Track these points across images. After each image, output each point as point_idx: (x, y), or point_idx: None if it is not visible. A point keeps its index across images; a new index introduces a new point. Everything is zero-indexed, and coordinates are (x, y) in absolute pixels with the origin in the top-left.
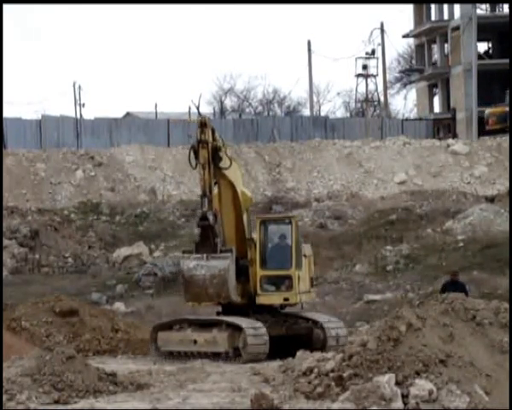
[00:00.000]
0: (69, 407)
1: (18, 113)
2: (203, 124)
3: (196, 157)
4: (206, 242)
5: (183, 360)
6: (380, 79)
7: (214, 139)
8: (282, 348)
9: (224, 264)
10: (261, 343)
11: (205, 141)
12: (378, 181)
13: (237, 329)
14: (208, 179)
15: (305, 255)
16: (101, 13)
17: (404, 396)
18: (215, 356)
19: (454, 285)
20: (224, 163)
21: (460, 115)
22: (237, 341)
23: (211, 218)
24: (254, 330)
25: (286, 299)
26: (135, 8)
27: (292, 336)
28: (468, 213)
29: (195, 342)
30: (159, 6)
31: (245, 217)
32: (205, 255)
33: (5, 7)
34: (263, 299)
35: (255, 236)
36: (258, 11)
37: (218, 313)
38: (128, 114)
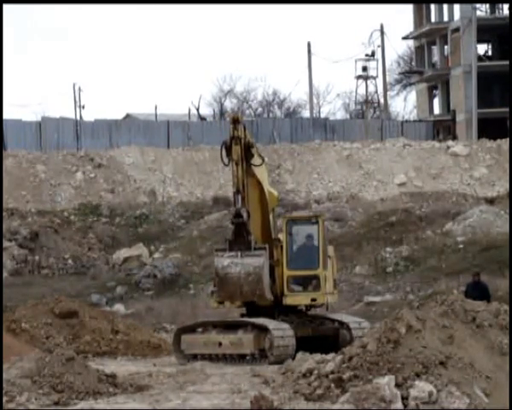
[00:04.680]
0: (69, 408)
1: (18, 114)
2: (236, 120)
3: (228, 154)
4: (240, 239)
5: (209, 362)
6: (380, 81)
7: (246, 136)
8: (308, 349)
9: (258, 261)
10: (288, 345)
11: (238, 137)
12: (378, 183)
13: (263, 330)
14: (241, 176)
15: (329, 256)
16: (101, 14)
17: (404, 398)
18: (240, 358)
19: (476, 287)
20: (256, 160)
21: (460, 117)
22: (263, 342)
23: (245, 215)
24: (281, 332)
25: (313, 299)
26: (135, 9)
27: (318, 337)
28: (467, 215)
29: (220, 344)
30: (159, 6)
31: (271, 217)
32: (239, 253)
33: (5, 7)
34: (290, 299)
35: (281, 236)
36: (258, 12)
37: (243, 315)
38: (128, 115)
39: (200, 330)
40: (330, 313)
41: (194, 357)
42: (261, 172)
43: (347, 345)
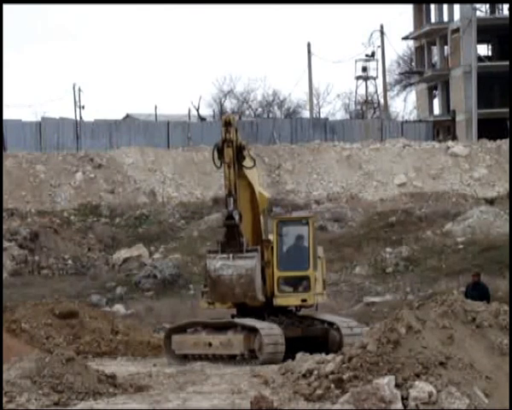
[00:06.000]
0: (69, 408)
1: (18, 115)
2: (228, 123)
3: (220, 157)
4: (232, 241)
5: (194, 362)
6: (379, 81)
7: (237, 138)
8: (297, 350)
9: (250, 263)
10: (277, 345)
11: (230, 140)
12: (378, 183)
13: (253, 331)
14: (234, 179)
15: (319, 257)
16: (101, 14)
17: (404, 398)
18: (230, 359)
19: (476, 287)
20: (248, 162)
21: (460, 117)
22: (253, 343)
23: (237, 217)
24: (270, 332)
25: (303, 300)
26: (135, 9)
27: (308, 337)
28: (467, 216)
29: (210, 344)
30: (159, 6)
31: (262, 218)
32: (231, 255)
33: (5, 7)
34: (280, 300)
35: (271, 237)
36: (258, 12)
37: (233, 316)
38: (128, 116)
39: (190, 330)
40: (320, 313)
41: (185, 357)
42: (252, 174)
43: (337, 345)
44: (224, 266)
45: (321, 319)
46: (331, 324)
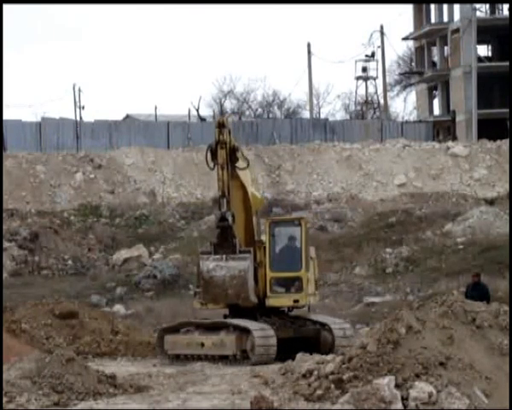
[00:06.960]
0: (69, 409)
1: (18, 115)
2: (221, 124)
3: (213, 158)
4: (225, 242)
5: (191, 363)
6: (379, 82)
7: (231, 140)
8: (289, 350)
9: (243, 265)
10: (269, 346)
11: (223, 141)
12: (378, 183)
13: (245, 331)
14: (227, 180)
15: (311, 257)
16: (101, 14)
17: (404, 399)
18: (222, 359)
19: (476, 288)
20: (241, 164)
21: (460, 118)
22: (245, 343)
23: (230, 218)
24: (262, 333)
25: (296, 301)
26: (135, 9)
27: (300, 338)
28: (467, 216)
29: (203, 344)
30: (159, 6)
31: (254, 219)
32: (224, 256)
33: (5, 7)
34: (272, 301)
35: (264, 237)
36: (258, 12)
37: (225, 316)
38: (128, 116)
39: (183, 330)
40: (312, 314)
41: (177, 357)
42: (245, 175)
43: (328, 346)
44: (217, 267)
45: (313, 319)
46: (323, 324)
